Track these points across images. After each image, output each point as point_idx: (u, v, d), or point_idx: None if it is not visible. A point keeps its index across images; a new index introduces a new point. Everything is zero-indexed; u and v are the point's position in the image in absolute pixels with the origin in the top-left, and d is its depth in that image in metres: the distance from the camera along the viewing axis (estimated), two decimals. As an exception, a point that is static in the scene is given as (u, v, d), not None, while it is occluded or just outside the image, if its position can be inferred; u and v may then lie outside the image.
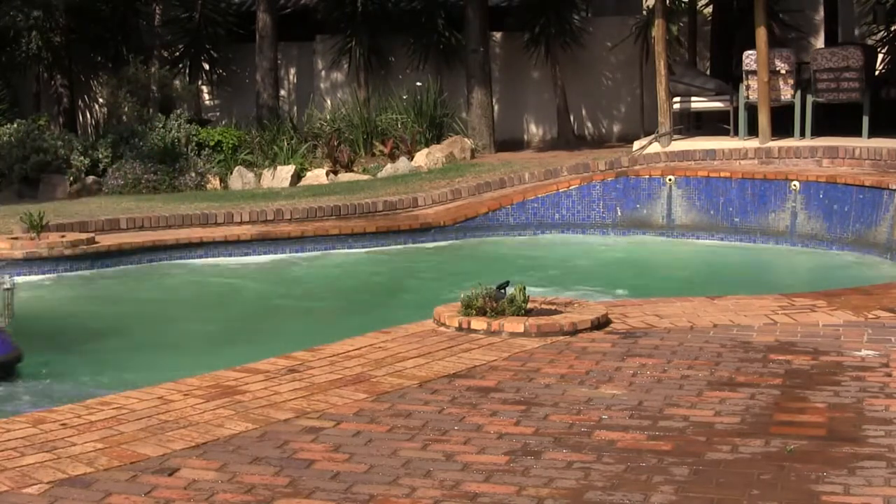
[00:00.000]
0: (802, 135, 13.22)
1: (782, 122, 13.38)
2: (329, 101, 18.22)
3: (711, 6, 17.48)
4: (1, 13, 16.88)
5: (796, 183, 11.52)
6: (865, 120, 12.88)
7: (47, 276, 10.17)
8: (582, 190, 12.56)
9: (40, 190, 14.56)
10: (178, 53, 18.84)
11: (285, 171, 14.95)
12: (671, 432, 4.31)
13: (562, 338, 5.92)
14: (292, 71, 19.19)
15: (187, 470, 3.93)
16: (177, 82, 18.20)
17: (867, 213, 10.77)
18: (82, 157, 14.97)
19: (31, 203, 13.05)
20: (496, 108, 17.41)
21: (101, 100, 18.86)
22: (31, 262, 10.14)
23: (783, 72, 13.38)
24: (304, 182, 14.94)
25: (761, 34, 13.04)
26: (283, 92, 18.65)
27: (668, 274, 11.08)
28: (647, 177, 12.43)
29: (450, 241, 11.97)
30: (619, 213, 12.44)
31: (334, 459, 4.05)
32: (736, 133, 13.88)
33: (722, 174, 12.09)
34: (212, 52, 18.77)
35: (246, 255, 11.08)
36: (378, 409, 4.69)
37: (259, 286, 10.16)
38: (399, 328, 6.25)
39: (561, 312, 6.25)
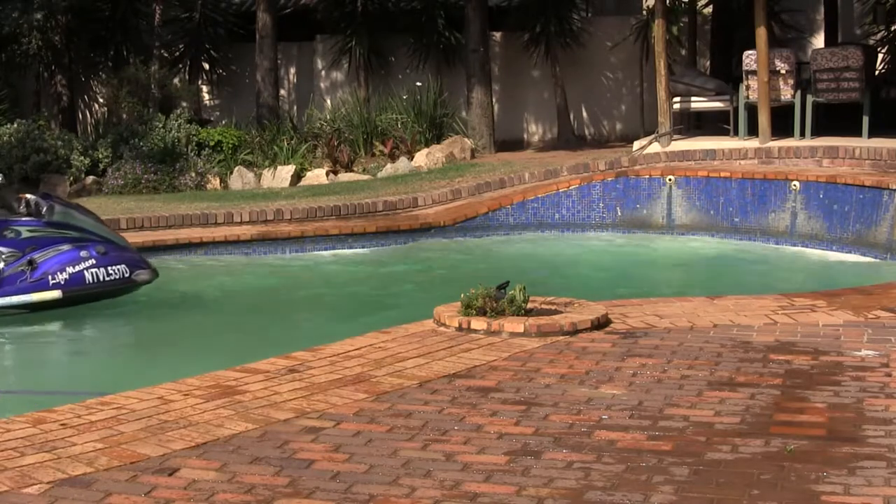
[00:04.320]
0: (802, 135, 13.21)
1: (782, 122, 13.38)
2: (329, 101, 18.22)
3: (711, 6, 17.49)
4: (2, 15, 16.86)
5: (796, 183, 11.52)
6: (865, 120, 12.88)
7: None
8: (582, 190, 12.56)
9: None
10: (178, 53, 18.84)
11: (285, 171, 14.95)
12: (671, 432, 4.31)
13: (562, 338, 5.92)
14: (292, 71, 19.19)
15: (187, 470, 3.93)
16: (177, 82, 18.20)
17: (867, 213, 10.77)
18: (82, 157, 14.96)
19: (31, 203, 13.02)
20: (496, 107, 17.41)
21: (101, 100, 18.85)
22: (31, 262, 10.15)
23: (783, 72, 13.37)
24: (304, 182, 14.94)
25: (761, 34, 13.04)
26: (283, 92, 18.65)
27: (668, 274, 11.08)
28: (647, 177, 12.43)
29: (450, 241, 11.97)
30: (620, 213, 12.44)
31: (334, 459, 4.05)
32: (736, 133, 13.88)
33: (722, 174, 12.09)
34: (212, 52, 18.77)
35: (246, 255, 11.08)
36: (378, 409, 4.69)
37: (258, 287, 10.15)
38: (399, 328, 6.25)
39: (561, 312, 6.25)
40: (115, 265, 8.75)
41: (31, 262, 8.51)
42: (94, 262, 8.66)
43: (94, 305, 8.81)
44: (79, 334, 8.72)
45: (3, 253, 8.50)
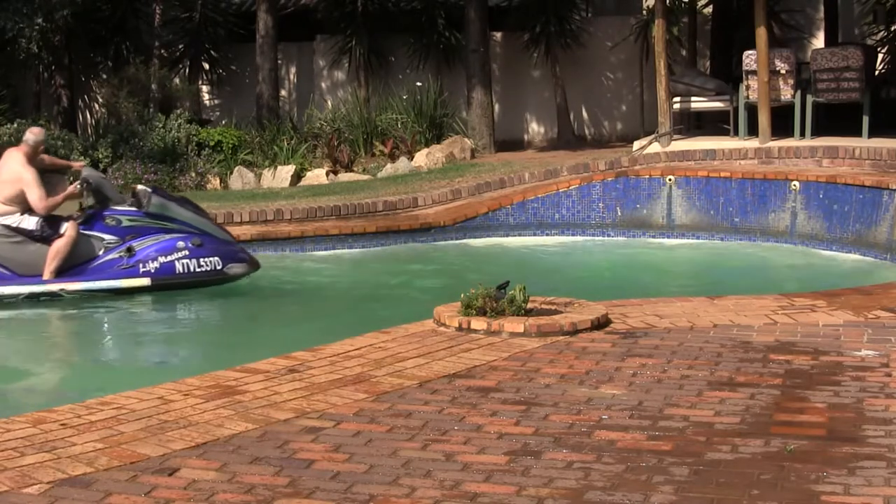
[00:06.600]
0: (802, 135, 13.21)
1: (782, 122, 13.38)
2: (329, 101, 18.21)
3: (711, 6, 17.49)
4: (4, 19, 16.86)
5: (796, 183, 11.51)
6: (865, 120, 12.87)
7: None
8: (582, 190, 12.55)
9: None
10: (178, 53, 18.84)
11: (285, 171, 14.95)
12: (671, 432, 4.31)
13: (562, 338, 5.92)
14: (292, 71, 19.19)
15: (187, 470, 3.93)
16: (177, 82, 18.20)
17: (867, 213, 10.77)
18: (82, 157, 14.94)
19: (31, 203, 13.01)
20: (496, 107, 17.41)
21: (101, 100, 18.85)
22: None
23: (783, 72, 13.37)
24: (304, 182, 14.94)
25: (761, 34, 13.04)
26: (283, 92, 18.65)
27: (668, 274, 11.08)
28: (647, 177, 12.42)
29: (450, 241, 11.96)
30: (619, 213, 12.44)
31: (334, 459, 4.05)
32: (736, 133, 13.88)
33: (722, 174, 12.08)
34: (212, 52, 18.77)
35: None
36: (378, 409, 4.69)
37: (257, 286, 10.14)
38: (399, 328, 6.25)
39: (561, 312, 6.25)
40: (208, 257, 9.26)
41: (129, 250, 9.11)
42: (188, 252, 9.18)
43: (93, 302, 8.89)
44: (70, 329, 8.74)
45: (104, 239, 9.14)
